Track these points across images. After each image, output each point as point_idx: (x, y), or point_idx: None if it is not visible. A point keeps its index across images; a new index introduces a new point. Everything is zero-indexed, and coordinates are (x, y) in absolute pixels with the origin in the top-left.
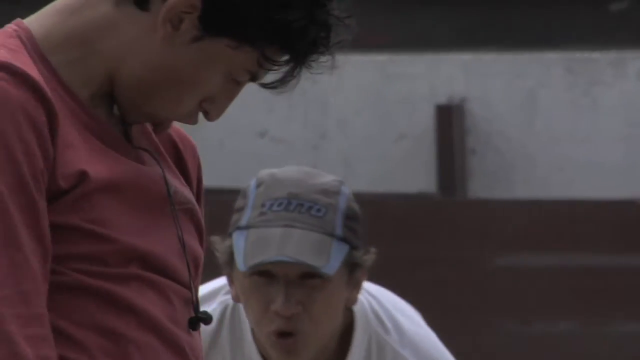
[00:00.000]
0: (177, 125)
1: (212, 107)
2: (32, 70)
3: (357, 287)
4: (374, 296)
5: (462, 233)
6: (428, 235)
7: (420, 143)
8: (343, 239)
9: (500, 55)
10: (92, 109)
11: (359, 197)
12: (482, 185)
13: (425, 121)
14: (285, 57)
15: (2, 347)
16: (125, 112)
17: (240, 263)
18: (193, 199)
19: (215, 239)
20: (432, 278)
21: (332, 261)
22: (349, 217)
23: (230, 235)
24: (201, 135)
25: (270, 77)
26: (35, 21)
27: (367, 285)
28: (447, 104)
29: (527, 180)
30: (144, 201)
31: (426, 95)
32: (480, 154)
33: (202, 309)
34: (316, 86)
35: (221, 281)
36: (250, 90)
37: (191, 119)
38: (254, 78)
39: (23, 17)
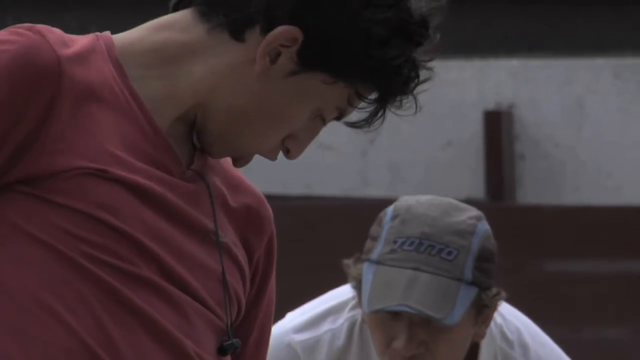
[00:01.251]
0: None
1: (293, 144)
2: (106, 68)
3: (486, 323)
4: (497, 310)
5: (511, 239)
6: None
7: (469, 149)
8: (472, 283)
9: (549, 60)
10: (164, 127)
11: None
12: (531, 191)
13: (473, 127)
14: (375, 96)
15: None
16: (209, 144)
17: (365, 303)
18: (239, 247)
19: (348, 262)
20: None
21: (456, 309)
22: (482, 258)
23: (361, 261)
24: None
25: (354, 116)
26: (123, 34)
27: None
28: (496, 109)
29: (576, 186)
30: (182, 219)
31: (474, 101)
32: (528, 159)
33: (327, 322)
34: None
35: (345, 293)
36: None
37: (273, 155)
38: (340, 116)
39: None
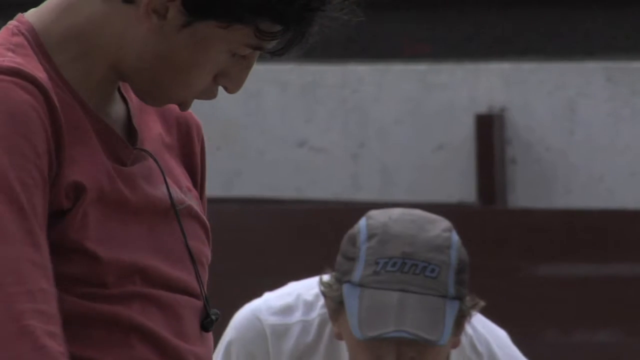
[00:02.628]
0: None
1: (228, 81)
2: (41, 73)
3: (461, 331)
4: (469, 321)
5: (502, 243)
6: (468, 244)
7: (460, 153)
8: (455, 297)
9: (541, 64)
10: (94, 108)
11: (398, 206)
12: (522, 194)
13: (465, 131)
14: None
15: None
16: (142, 99)
17: (355, 329)
18: (187, 198)
19: (324, 282)
20: (472, 287)
21: (446, 328)
22: (460, 270)
23: (338, 281)
24: (240, 145)
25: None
26: (34, 17)
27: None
28: (487, 113)
29: (567, 190)
30: (145, 212)
31: (466, 105)
32: (520, 163)
33: (300, 312)
34: (355, 95)
35: (316, 286)
36: (289, 100)
37: (209, 96)
38: (260, 49)
39: None
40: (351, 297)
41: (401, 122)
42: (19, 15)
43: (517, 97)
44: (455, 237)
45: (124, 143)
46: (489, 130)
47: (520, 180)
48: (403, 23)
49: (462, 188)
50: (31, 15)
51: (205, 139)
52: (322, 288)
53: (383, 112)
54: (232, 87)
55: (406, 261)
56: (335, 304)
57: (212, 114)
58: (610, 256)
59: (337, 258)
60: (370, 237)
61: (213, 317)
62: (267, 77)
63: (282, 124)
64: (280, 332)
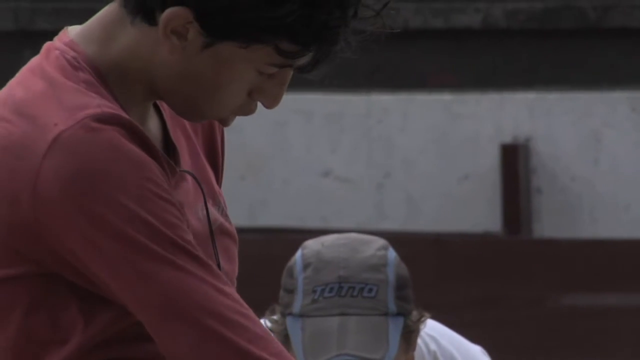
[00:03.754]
0: None
1: (262, 98)
2: (122, 113)
3: (413, 347)
4: (432, 337)
5: (527, 272)
6: (493, 275)
7: (485, 182)
8: (397, 314)
9: (566, 94)
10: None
11: (424, 236)
12: (548, 224)
13: (490, 160)
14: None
15: None
16: (182, 117)
17: (301, 359)
18: (219, 211)
19: (270, 318)
20: (498, 318)
21: (390, 344)
22: (399, 286)
23: (282, 315)
24: (265, 175)
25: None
26: (85, 45)
27: (426, 324)
28: (513, 143)
29: (593, 219)
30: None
31: (491, 135)
32: (545, 193)
33: None
34: (380, 125)
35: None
36: (314, 130)
37: (246, 112)
38: (287, 67)
39: None
40: (294, 329)
41: (426, 152)
42: (68, 40)
43: (543, 126)
44: (391, 254)
45: (171, 165)
46: (514, 160)
47: (545, 210)
48: (428, 53)
49: (488, 218)
50: (81, 42)
51: (231, 169)
52: (269, 324)
53: (408, 142)
54: (268, 103)
55: (342, 285)
56: (282, 338)
57: (237, 144)
58: (637, 286)
59: (280, 292)
60: (305, 266)
61: None
62: (292, 107)
63: (307, 153)
64: None
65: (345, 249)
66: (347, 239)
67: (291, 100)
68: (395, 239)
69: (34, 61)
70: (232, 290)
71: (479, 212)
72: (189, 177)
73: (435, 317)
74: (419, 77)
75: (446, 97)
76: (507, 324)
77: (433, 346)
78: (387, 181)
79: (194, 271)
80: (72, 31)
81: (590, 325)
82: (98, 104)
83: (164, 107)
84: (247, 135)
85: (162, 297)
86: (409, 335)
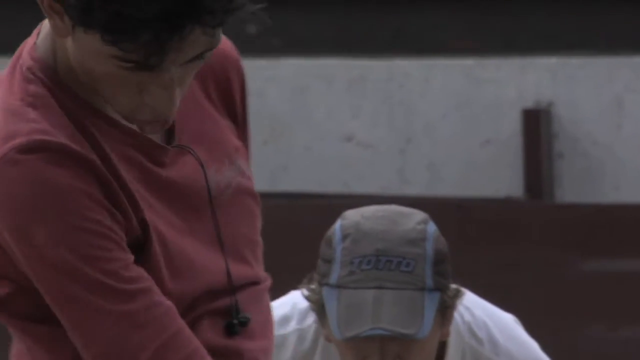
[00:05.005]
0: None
1: (151, 100)
2: (64, 128)
3: (449, 322)
4: (466, 307)
5: (549, 237)
6: (515, 239)
7: (507, 147)
8: (434, 289)
9: (588, 59)
10: (124, 121)
11: (445, 202)
12: (570, 189)
13: (512, 125)
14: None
15: None
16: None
17: (335, 330)
18: (235, 177)
19: (304, 286)
20: (519, 282)
21: (425, 320)
22: (437, 261)
23: (319, 284)
24: (287, 141)
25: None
26: (43, 53)
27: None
28: (535, 108)
29: (614, 184)
30: (186, 211)
31: (513, 100)
32: (567, 158)
33: (295, 320)
34: (402, 90)
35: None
36: (335, 95)
37: (141, 114)
38: (129, 63)
39: None
40: (330, 299)
41: (448, 117)
42: (32, 45)
43: (565, 91)
44: (431, 228)
45: (158, 145)
46: (536, 125)
47: (567, 175)
48: (449, 18)
49: (509, 183)
50: (41, 45)
51: (252, 134)
52: (306, 293)
53: (430, 107)
54: (155, 108)
55: (380, 258)
56: (318, 308)
57: (259, 110)
58: None
59: (318, 262)
60: (344, 237)
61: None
62: (313, 72)
63: (329, 119)
64: (278, 344)
65: (385, 221)
66: (387, 211)
67: (312, 66)
68: (417, 204)
69: (2, 72)
70: (156, 313)
71: (500, 177)
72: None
73: (457, 282)
74: (440, 42)
75: (468, 62)
76: (529, 288)
77: (467, 317)
78: (408, 146)
79: (111, 309)
80: (43, 30)
81: (612, 290)
82: (28, 130)
83: None
84: (268, 101)
85: (77, 331)
86: (445, 310)
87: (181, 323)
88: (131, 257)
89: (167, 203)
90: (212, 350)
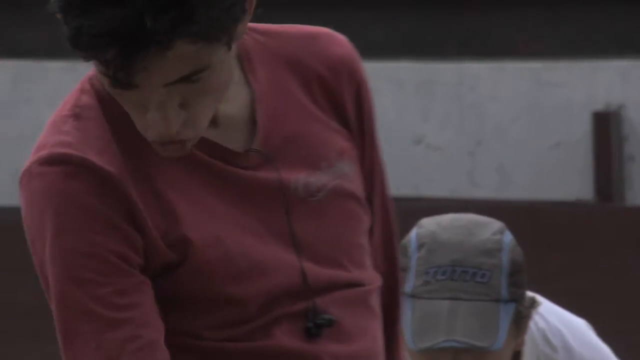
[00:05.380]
0: (333, 46)
1: (148, 118)
2: (98, 142)
3: (524, 332)
4: (539, 313)
5: (619, 240)
6: (585, 242)
7: (577, 150)
8: (509, 300)
9: None
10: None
11: (515, 204)
12: None
13: (581, 128)
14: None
15: None
16: None
17: (409, 340)
18: (332, 180)
19: None
20: (590, 286)
21: (500, 332)
22: (513, 272)
23: None
24: None
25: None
26: None
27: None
28: (605, 110)
29: None
30: (256, 225)
31: (583, 102)
32: (638, 160)
33: None
34: (472, 93)
35: None
36: (405, 98)
37: (149, 135)
38: (108, 77)
39: None
40: (405, 309)
41: (518, 120)
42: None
43: (635, 94)
44: (507, 238)
45: (234, 153)
46: (606, 128)
47: (638, 178)
48: (519, 21)
49: (579, 186)
50: None
51: None
52: None
53: (499, 110)
54: (154, 129)
55: (456, 268)
56: None
57: None
58: None
59: None
60: (419, 246)
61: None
62: (384, 75)
63: (399, 121)
64: None
65: (461, 231)
66: (464, 220)
67: (383, 69)
68: (487, 207)
69: None
70: (132, 347)
71: (570, 180)
72: (281, 151)
73: (528, 286)
74: (510, 45)
75: (537, 65)
76: (600, 292)
77: (541, 324)
78: (478, 149)
79: (92, 335)
80: None
81: None
82: (53, 142)
83: (258, 79)
84: None
85: (63, 347)
86: (520, 321)
87: (160, 358)
88: (131, 281)
89: (239, 206)
90: (287, 354)
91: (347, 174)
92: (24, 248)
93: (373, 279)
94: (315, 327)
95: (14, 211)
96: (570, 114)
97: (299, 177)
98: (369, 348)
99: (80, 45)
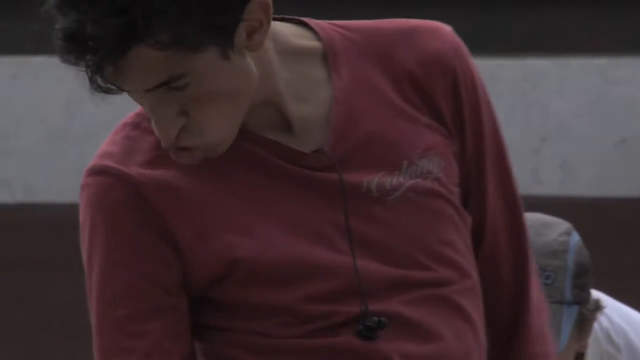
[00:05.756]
0: (427, 41)
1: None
2: (147, 153)
3: (587, 334)
4: (603, 312)
5: None
6: None
7: None
8: (573, 302)
9: None
10: (254, 129)
11: (580, 201)
12: None
13: None
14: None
15: None
16: None
17: None
18: (411, 179)
19: None
20: None
21: (562, 335)
22: (578, 274)
23: None
24: None
25: None
26: None
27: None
28: None
29: None
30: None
31: None
32: None
33: None
34: (536, 90)
35: None
36: None
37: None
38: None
39: None
40: None
41: (582, 116)
42: None
43: None
44: (574, 239)
45: (299, 153)
46: None
47: None
48: (584, 17)
49: None
50: None
51: None
52: None
53: (564, 107)
54: (154, 129)
55: None
56: None
57: None
58: None
59: None
60: None
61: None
62: None
63: None
64: None
65: (529, 231)
66: (532, 220)
67: None
68: (551, 204)
69: None
70: None
71: (635, 176)
72: (355, 151)
73: (593, 284)
74: (575, 42)
75: (602, 61)
76: None
77: (605, 323)
78: (543, 146)
79: (105, 356)
80: None
81: None
82: (100, 153)
83: (341, 75)
84: None
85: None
86: (584, 323)
87: None
88: (147, 306)
89: (297, 206)
90: (355, 352)
91: (430, 172)
92: None
93: (466, 276)
94: (366, 329)
95: (78, 208)
96: (635, 110)
97: (373, 178)
98: (452, 348)
99: (57, 49)
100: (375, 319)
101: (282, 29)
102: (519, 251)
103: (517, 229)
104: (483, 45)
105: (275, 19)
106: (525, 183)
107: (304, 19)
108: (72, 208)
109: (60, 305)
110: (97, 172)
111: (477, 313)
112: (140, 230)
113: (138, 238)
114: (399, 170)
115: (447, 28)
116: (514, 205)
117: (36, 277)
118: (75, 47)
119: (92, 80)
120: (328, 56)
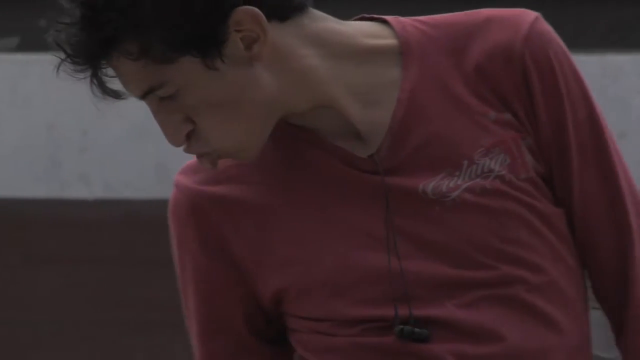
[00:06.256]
0: (497, 31)
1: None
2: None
3: None
4: None
5: None
6: None
7: None
8: None
9: None
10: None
11: None
12: None
13: None
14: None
15: None
16: None
17: None
18: (469, 180)
19: None
20: None
21: None
22: None
23: None
24: None
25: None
26: None
27: None
28: None
29: None
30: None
31: None
32: None
33: None
34: (616, 85)
35: None
36: None
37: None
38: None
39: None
40: None
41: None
42: None
43: None
44: None
45: (357, 158)
46: None
47: None
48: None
49: None
50: None
51: None
52: None
53: None
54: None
55: None
56: None
57: None
58: None
59: None
60: None
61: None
62: None
63: None
64: None
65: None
66: None
67: None
68: None
69: None
70: None
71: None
72: (414, 154)
73: None
74: None
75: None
76: None
77: None
78: (622, 142)
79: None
80: None
81: None
82: (182, 166)
83: (410, 79)
84: None
85: None
86: None
87: None
88: (197, 328)
89: (344, 211)
90: (399, 352)
91: (492, 170)
92: (168, 241)
93: (541, 273)
94: (412, 332)
95: (159, 203)
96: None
97: (431, 180)
98: (518, 348)
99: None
100: (413, 323)
101: (346, 30)
102: (621, 238)
103: (620, 220)
104: (562, 40)
105: (355, 19)
106: None
107: (387, 17)
108: (151, 204)
109: (139, 302)
110: (175, 184)
111: (557, 308)
112: (193, 246)
113: (189, 255)
114: (459, 169)
115: (528, 16)
116: (619, 203)
117: (114, 273)
118: (63, 54)
119: (92, 85)
120: (403, 54)
